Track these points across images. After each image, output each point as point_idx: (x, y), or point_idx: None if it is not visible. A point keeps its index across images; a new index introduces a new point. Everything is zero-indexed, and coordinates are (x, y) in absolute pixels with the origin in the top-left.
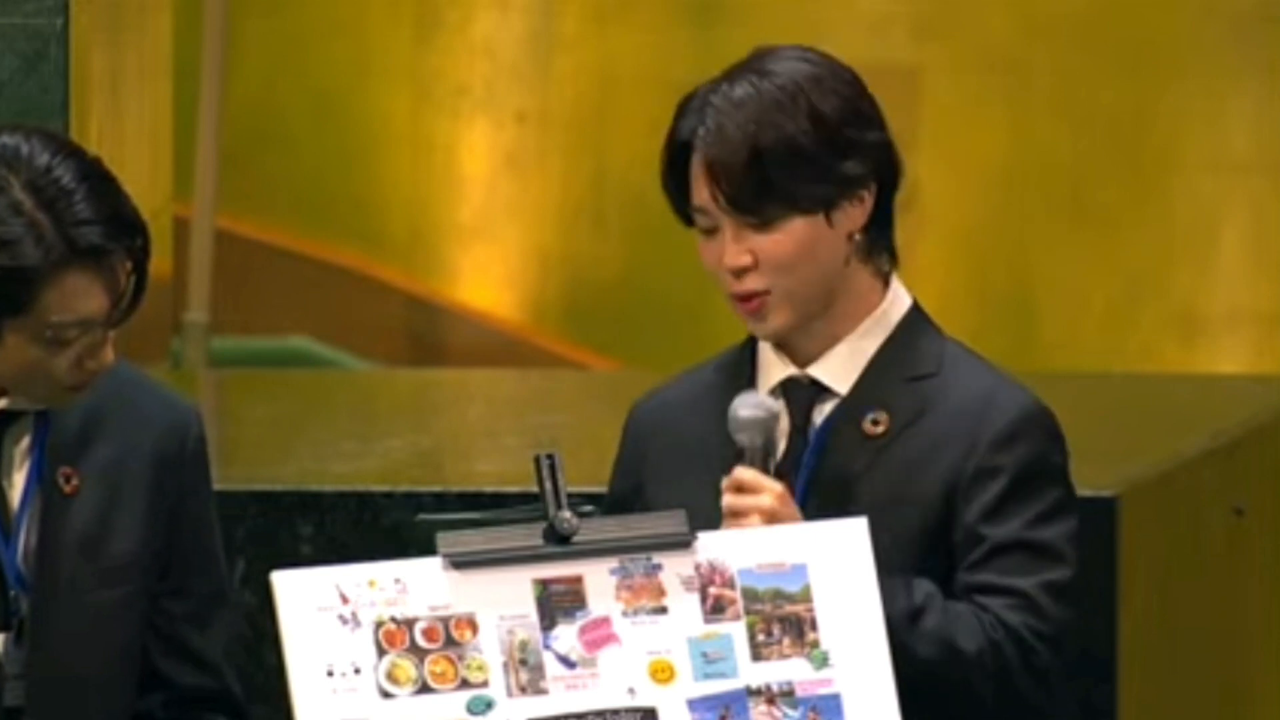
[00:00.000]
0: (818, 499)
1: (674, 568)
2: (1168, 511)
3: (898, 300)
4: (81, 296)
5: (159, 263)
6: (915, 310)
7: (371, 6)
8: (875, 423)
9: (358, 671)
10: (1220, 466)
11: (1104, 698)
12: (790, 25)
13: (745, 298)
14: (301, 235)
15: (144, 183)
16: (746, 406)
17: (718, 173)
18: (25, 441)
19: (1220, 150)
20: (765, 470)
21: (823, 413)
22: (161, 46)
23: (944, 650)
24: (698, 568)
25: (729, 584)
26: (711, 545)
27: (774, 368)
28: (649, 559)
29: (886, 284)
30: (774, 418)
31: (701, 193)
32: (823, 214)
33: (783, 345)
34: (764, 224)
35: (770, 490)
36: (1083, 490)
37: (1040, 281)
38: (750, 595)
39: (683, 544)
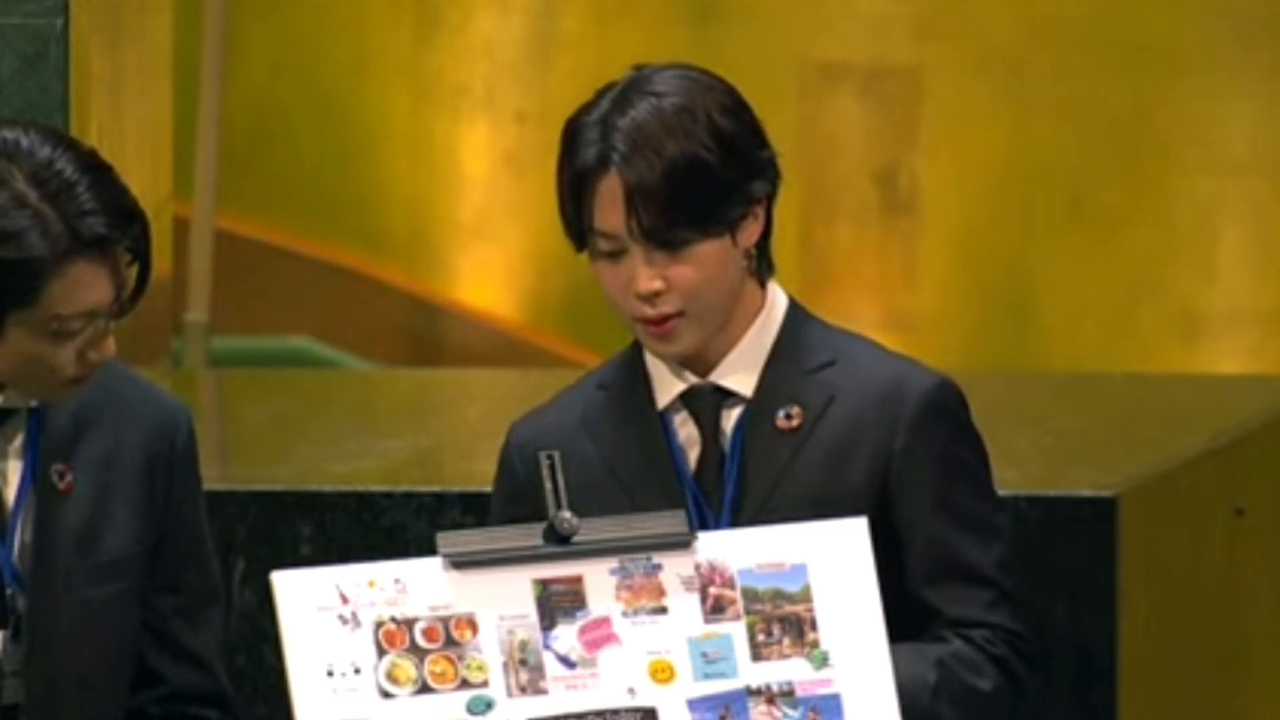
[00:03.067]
0: (747, 502)
1: (674, 568)
2: (1168, 511)
3: (777, 298)
4: (87, 287)
5: (159, 263)
6: (794, 306)
7: (371, 6)
8: (788, 417)
9: (358, 671)
10: (1220, 466)
11: (1104, 698)
12: (790, 25)
13: (657, 321)
14: (302, 235)
15: (144, 183)
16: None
17: (635, 198)
18: (19, 439)
19: (1220, 151)
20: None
21: (731, 418)
22: (161, 46)
23: (968, 696)
24: (698, 568)
25: (729, 584)
26: (711, 545)
27: (669, 381)
28: (649, 559)
29: (763, 284)
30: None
31: (611, 218)
32: (729, 234)
33: (673, 363)
34: (676, 249)
35: None
36: (1082, 490)
37: (1040, 281)
38: (750, 595)
39: (683, 544)
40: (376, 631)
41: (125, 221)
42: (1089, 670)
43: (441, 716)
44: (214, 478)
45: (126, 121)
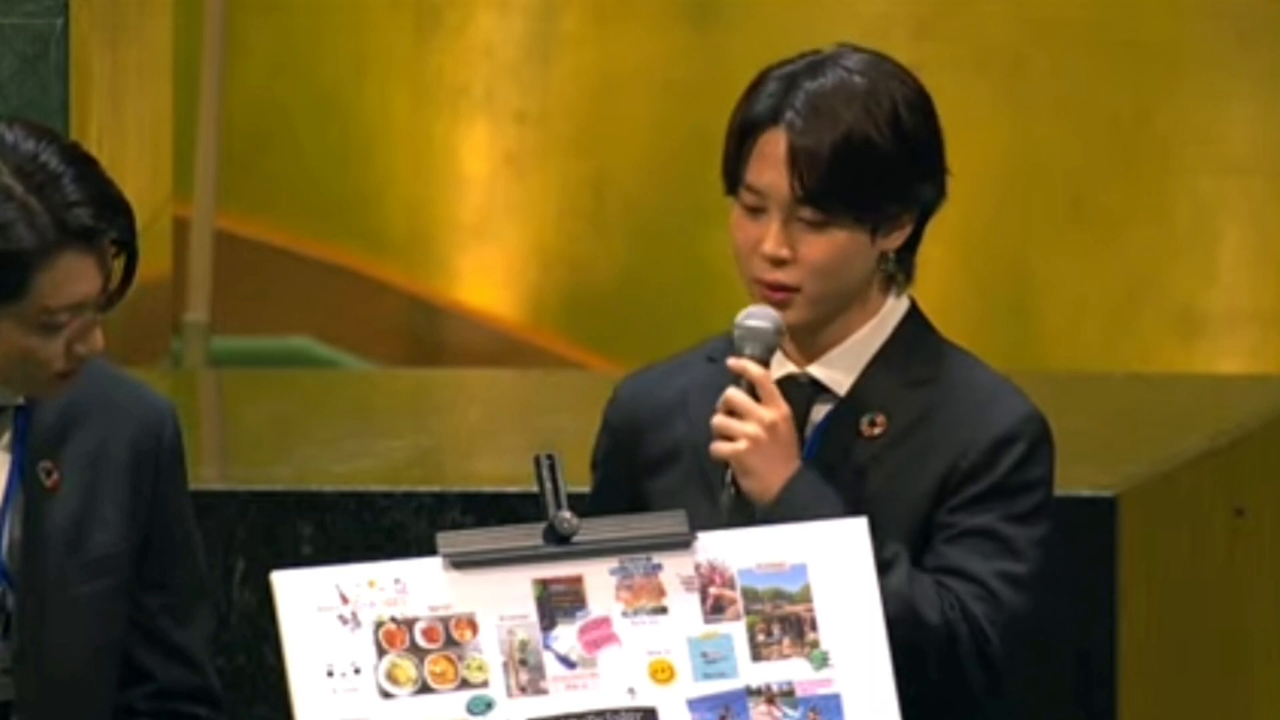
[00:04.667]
0: None
1: (674, 568)
2: (1168, 511)
3: (898, 306)
4: (75, 279)
5: (159, 263)
6: (914, 312)
7: (371, 6)
8: (873, 424)
9: (358, 671)
10: (1220, 466)
11: (1104, 698)
12: (790, 25)
13: (774, 288)
14: (301, 235)
15: (144, 183)
16: (754, 316)
17: (799, 160)
18: (6, 437)
19: (1220, 151)
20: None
21: (820, 413)
22: (161, 46)
23: (904, 610)
24: (698, 568)
25: (729, 584)
26: (711, 545)
27: (774, 364)
28: (649, 559)
29: (889, 292)
30: (778, 332)
31: (765, 174)
32: (871, 230)
33: (783, 343)
34: (818, 224)
35: (759, 419)
36: (1082, 490)
37: (1040, 281)
38: (750, 595)
39: (683, 544)
40: (376, 631)
41: (111, 212)
42: (1089, 670)
43: (441, 716)
44: (214, 478)
45: (126, 121)
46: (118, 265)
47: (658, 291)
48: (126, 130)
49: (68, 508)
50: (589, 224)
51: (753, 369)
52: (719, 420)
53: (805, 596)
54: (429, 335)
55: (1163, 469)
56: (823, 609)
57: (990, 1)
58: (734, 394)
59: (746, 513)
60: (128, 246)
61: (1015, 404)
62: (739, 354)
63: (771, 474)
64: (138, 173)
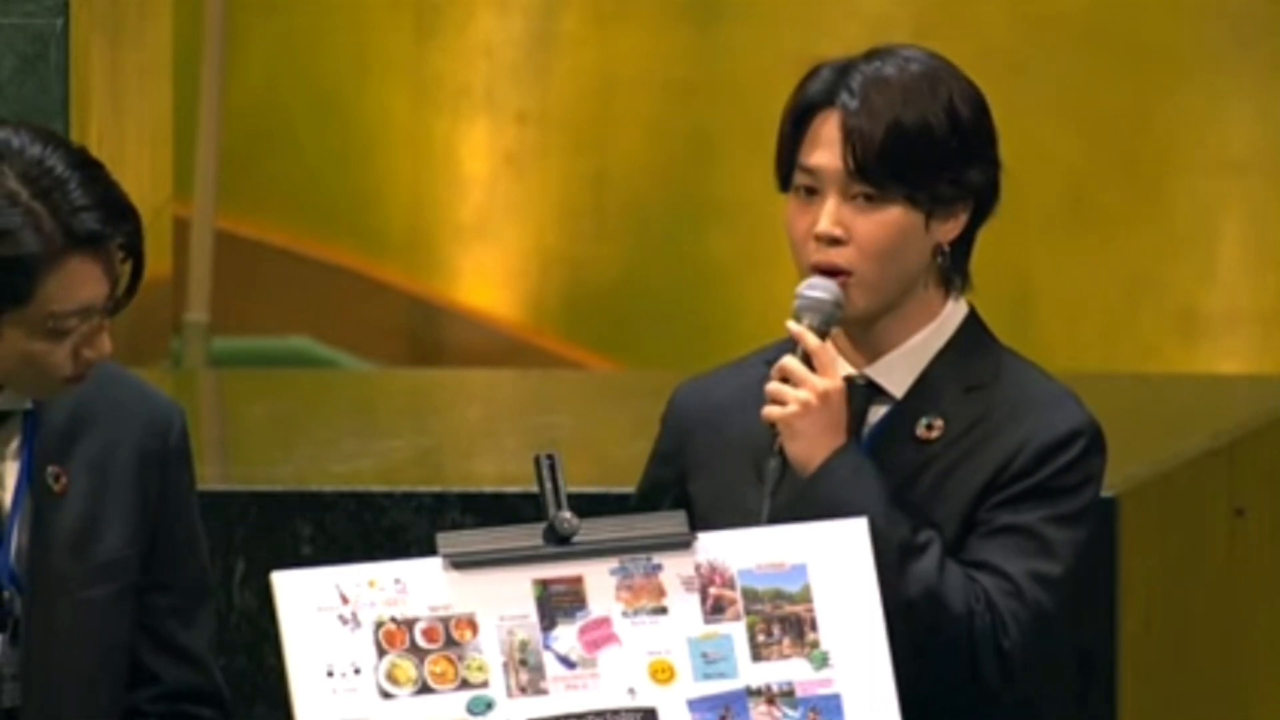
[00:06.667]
0: None
1: (674, 568)
2: (1168, 511)
3: (956, 310)
4: (81, 284)
5: (159, 263)
6: (972, 317)
7: (371, 6)
8: (929, 428)
9: (358, 671)
10: (1220, 466)
11: (1104, 698)
12: (790, 25)
13: (829, 271)
14: (301, 235)
15: (144, 183)
16: (815, 287)
17: (853, 135)
18: (16, 442)
19: (1220, 151)
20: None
21: (877, 415)
22: (161, 46)
23: (928, 597)
24: (698, 568)
25: (729, 584)
26: (711, 545)
27: (832, 365)
28: (649, 559)
29: (948, 295)
30: (838, 305)
31: (820, 154)
32: (925, 214)
33: (840, 344)
34: (871, 201)
35: (811, 386)
36: None
37: (1040, 281)
38: (750, 595)
39: (683, 544)
40: (376, 632)
41: (118, 217)
42: (1089, 670)
43: (441, 716)
44: (214, 478)
45: (126, 121)
46: (125, 269)
47: (658, 291)
48: (126, 130)
49: (76, 512)
50: (589, 224)
51: (809, 338)
52: (772, 386)
53: (805, 597)
54: (429, 335)
55: (1163, 469)
56: (823, 609)
57: (990, 1)
58: (789, 360)
59: (788, 485)
60: (135, 251)
61: (1072, 412)
62: (798, 322)
63: (817, 442)
64: (138, 173)
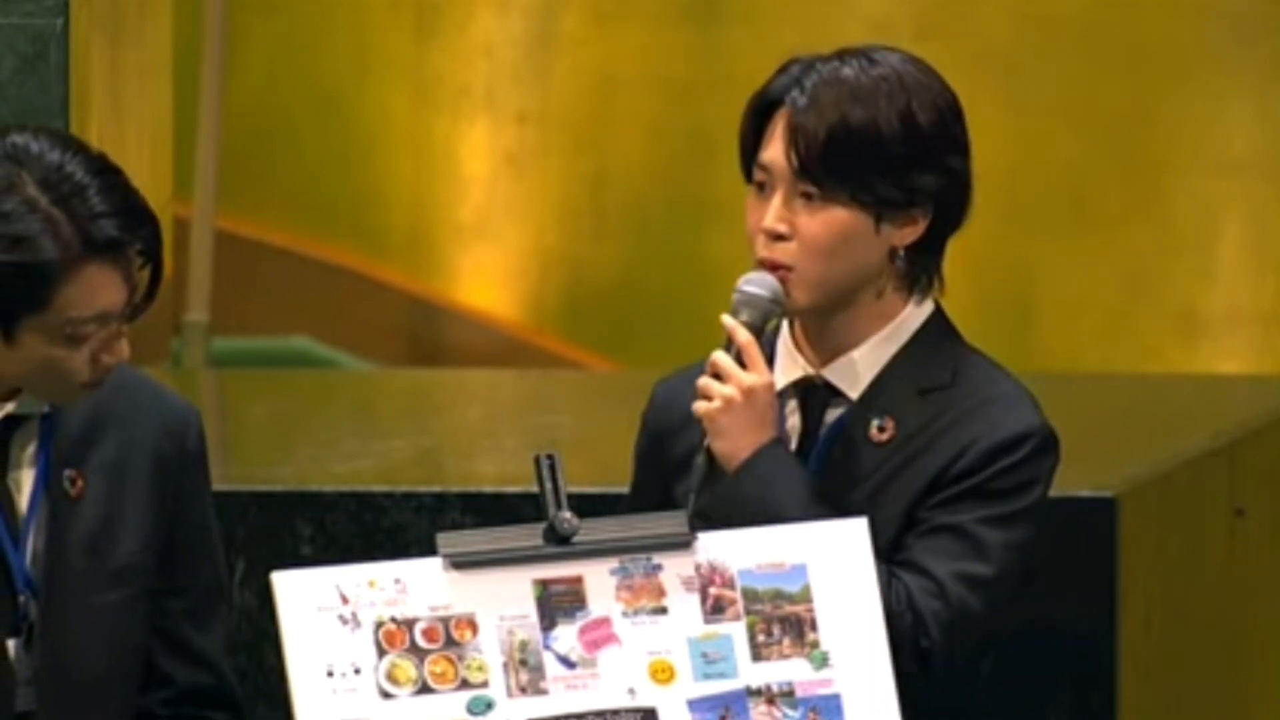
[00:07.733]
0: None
1: (674, 568)
2: (1168, 511)
3: (917, 312)
4: (100, 290)
5: None
6: (936, 317)
7: (371, 6)
8: (881, 429)
9: (358, 671)
10: (1220, 466)
11: (1103, 698)
12: (791, 25)
13: (770, 265)
14: (301, 235)
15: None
16: (751, 283)
17: (797, 134)
18: (33, 446)
19: (1220, 151)
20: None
21: (833, 415)
22: (161, 46)
23: None
24: (698, 568)
25: (729, 584)
26: (711, 545)
27: (789, 367)
28: (649, 559)
29: (909, 298)
30: (775, 301)
31: (772, 150)
32: (874, 217)
33: (800, 344)
34: (815, 200)
35: (737, 382)
36: (1082, 490)
37: (1040, 281)
38: (750, 595)
39: (683, 544)
40: (376, 632)
41: (137, 224)
42: (1089, 670)
43: (441, 716)
44: (214, 478)
45: (126, 121)
46: (144, 275)
47: (658, 291)
48: (126, 130)
49: (92, 516)
50: (589, 224)
51: (740, 332)
52: (701, 380)
53: (805, 596)
54: (429, 335)
55: (1163, 469)
56: (823, 609)
57: (990, 1)
58: (719, 355)
59: (714, 481)
60: (153, 257)
61: (1024, 414)
62: (734, 317)
63: (741, 438)
64: (138, 173)
